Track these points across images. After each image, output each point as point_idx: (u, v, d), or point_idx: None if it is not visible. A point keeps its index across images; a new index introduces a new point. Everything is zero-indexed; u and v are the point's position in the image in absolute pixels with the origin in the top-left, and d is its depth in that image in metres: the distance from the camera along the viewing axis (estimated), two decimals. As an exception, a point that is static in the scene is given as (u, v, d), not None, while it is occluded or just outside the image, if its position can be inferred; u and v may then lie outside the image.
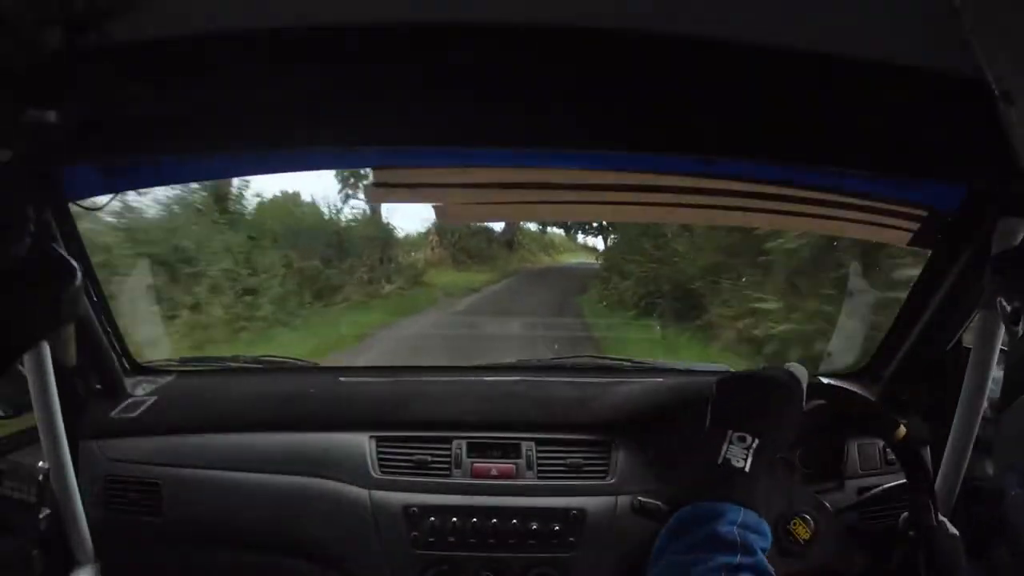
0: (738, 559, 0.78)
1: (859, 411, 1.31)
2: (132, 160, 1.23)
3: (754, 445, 0.92)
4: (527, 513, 1.41)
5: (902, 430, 1.19)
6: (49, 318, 0.92)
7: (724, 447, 0.91)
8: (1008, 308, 0.98)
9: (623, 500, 1.41)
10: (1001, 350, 1.24)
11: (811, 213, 1.48)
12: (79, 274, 0.91)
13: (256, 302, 6.82)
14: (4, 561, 1.28)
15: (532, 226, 15.50)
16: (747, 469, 0.89)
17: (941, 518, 1.17)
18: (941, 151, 0.98)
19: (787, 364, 1.10)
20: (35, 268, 0.87)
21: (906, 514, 1.19)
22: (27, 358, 1.26)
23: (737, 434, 0.93)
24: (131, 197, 5.11)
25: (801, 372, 1.07)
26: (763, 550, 0.82)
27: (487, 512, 1.40)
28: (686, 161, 1.25)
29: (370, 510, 1.42)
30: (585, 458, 1.47)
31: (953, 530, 1.16)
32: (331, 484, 1.46)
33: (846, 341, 3.33)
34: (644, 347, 6.66)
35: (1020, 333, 0.95)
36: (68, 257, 0.90)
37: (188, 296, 5.99)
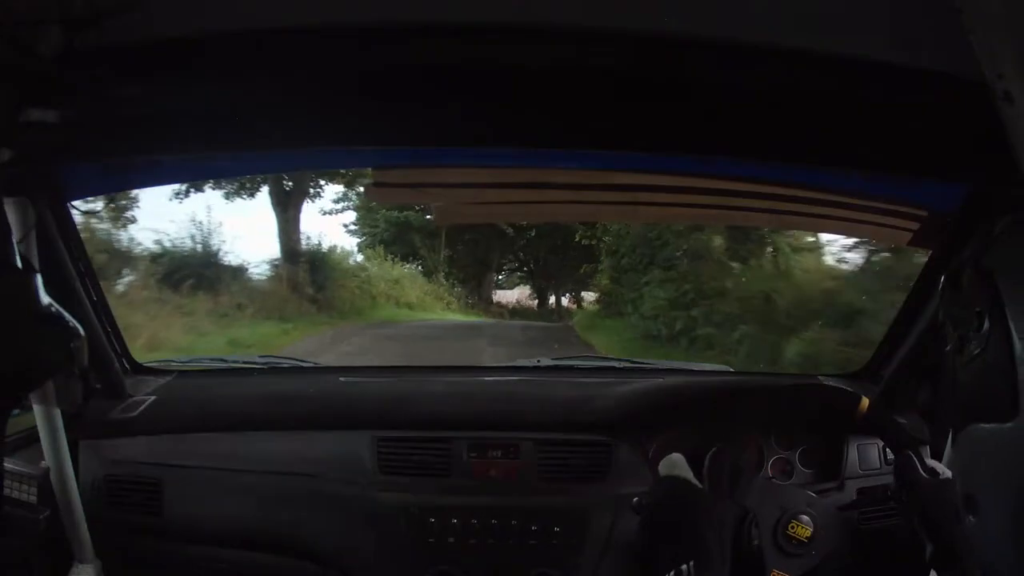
0: None
1: (815, 397, 1.34)
2: (132, 160, 1.23)
3: (691, 568, 1.00)
4: (527, 513, 1.41)
5: (864, 401, 1.21)
6: (54, 364, 0.95)
7: None
8: (955, 335, 0.98)
9: (623, 500, 1.41)
10: None
11: (811, 213, 1.48)
12: (81, 331, 0.94)
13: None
14: (4, 561, 1.28)
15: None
16: None
17: (931, 463, 1.19)
18: (941, 151, 0.98)
19: (663, 464, 1.24)
20: (43, 321, 0.89)
21: (895, 472, 1.21)
22: None
23: (671, 573, 1.01)
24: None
25: (676, 461, 1.23)
26: None
27: (487, 512, 1.40)
28: (686, 161, 1.25)
29: (370, 510, 1.42)
30: (585, 458, 1.47)
31: (947, 473, 1.16)
32: (331, 484, 1.46)
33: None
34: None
35: (963, 364, 0.94)
36: (70, 318, 0.93)
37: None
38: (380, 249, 13.60)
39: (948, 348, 0.99)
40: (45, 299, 0.87)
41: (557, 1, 0.86)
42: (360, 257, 13.41)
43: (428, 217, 13.39)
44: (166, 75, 0.92)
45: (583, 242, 11.15)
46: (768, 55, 0.89)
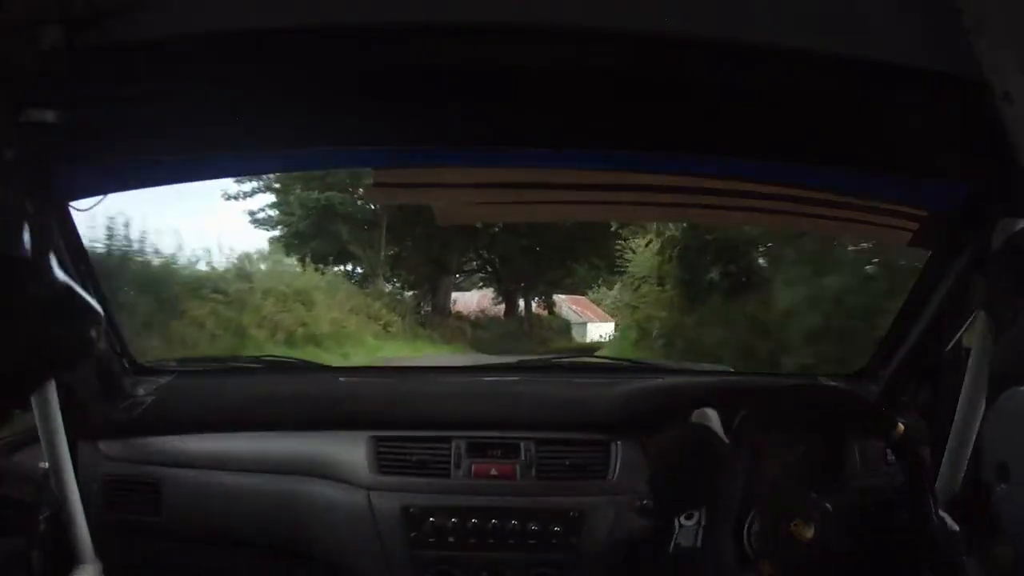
0: None
1: (858, 411, 1.32)
2: (132, 160, 1.23)
3: (702, 515, 0.96)
4: (527, 513, 1.41)
5: (900, 428, 1.20)
6: (69, 354, 0.93)
7: (673, 537, 0.96)
8: (990, 314, 0.98)
9: (623, 500, 1.41)
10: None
11: (811, 213, 1.48)
12: (103, 317, 0.92)
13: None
14: (4, 561, 1.28)
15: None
16: (699, 544, 0.93)
17: (941, 514, 1.18)
18: (941, 151, 0.98)
19: (696, 413, 1.20)
20: (59, 308, 0.87)
21: (906, 513, 1.20)
22: None
23: (683, 517, 0.97)
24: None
25: (709, 414, 1.18)
26: None
27: (487, 512, 1.40)
28: (686, 161, 1.25)
29: (369, 510, 1.42)
30: (585, 458, 1.47)
31: (954, 526, 1.16)
32: (330, 484, 1.45)
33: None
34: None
35: (998, 337, 0.94)
36: (91, 300, 0.90)
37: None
38: (280, 245, 9.76)
39: (981, 327, 0.99)
40: (61, 282, 0.85)
41: (557, 1, 0.86)
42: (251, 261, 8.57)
43: (361, 202, 10.20)
44: (166, 75, 0.93)
45: (620, 232, 8.05)
46: (768, 55, 0.89)
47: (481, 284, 12.90)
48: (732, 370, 2.06)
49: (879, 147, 1.00)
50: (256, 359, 1.87)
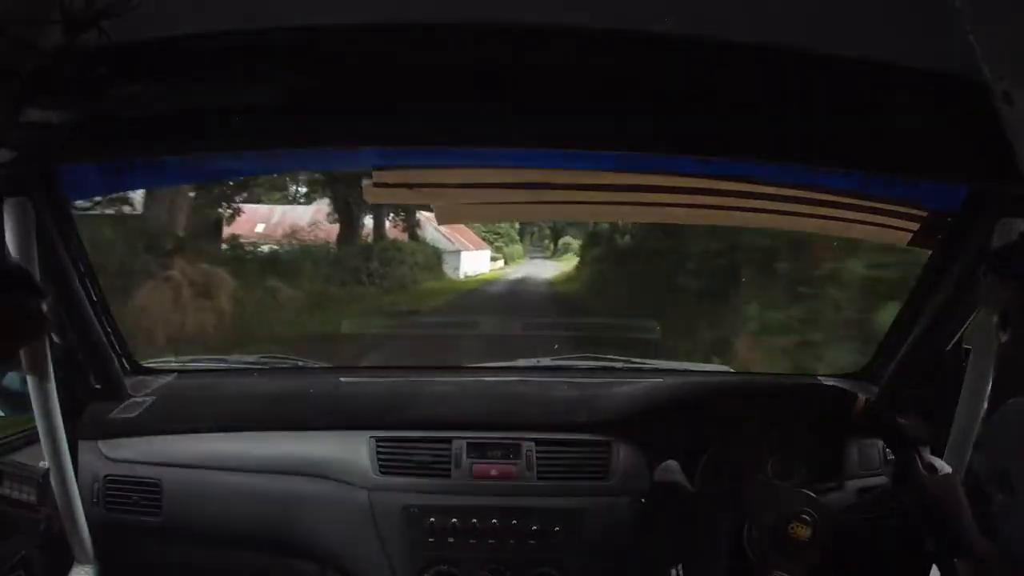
0: None
1: (813, 397, 1.35)
2: (132, 160, 1.23)
3: (679, 571, 1.00)
4: (527, 513, 1.41)
5: (861, 399, 1.22)
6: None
7: None
8: (996, 316, 0.98)
9: (623, 500, 1.41)
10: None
11: (811, 213, 1.48)
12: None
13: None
14: (4, 561, 1.28)
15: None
16: None
17: (930, 458, 1.18)
18: (941, 151, 0.98)
19: (658, 471, 1.27)
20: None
21: (905, 512, 1.20)
22: (27, 359, 1.26)
23: None
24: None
25: (671, 467, 1.25)
26: None
27: (487, 512, 1.40)
28: (686, 161, 1.25)
29: (370, 510, 1.42)
30: (585, 458, 1.47)
31: (946, 468, 1.16)
32: (331, 484, 1.46)
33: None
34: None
35: (1005, 338, 0.94)
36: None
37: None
38: None
39: (987, 330, 0.98)
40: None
41: (557, 1, 0.86)
42: None
43: None
44: (166, 75, 0.93)
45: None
46: (768, 55, 0.89)
47: (315, 193, 7.94)
48: (732, 370, 2.05)
49: (880, 147, 1.00)
50: (256, 359, 1.86)
